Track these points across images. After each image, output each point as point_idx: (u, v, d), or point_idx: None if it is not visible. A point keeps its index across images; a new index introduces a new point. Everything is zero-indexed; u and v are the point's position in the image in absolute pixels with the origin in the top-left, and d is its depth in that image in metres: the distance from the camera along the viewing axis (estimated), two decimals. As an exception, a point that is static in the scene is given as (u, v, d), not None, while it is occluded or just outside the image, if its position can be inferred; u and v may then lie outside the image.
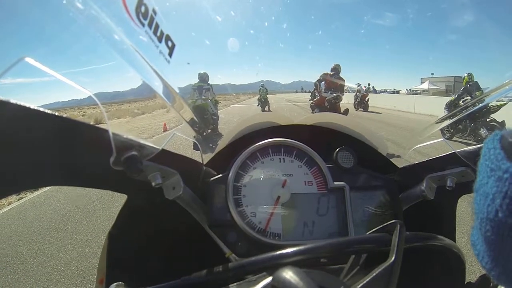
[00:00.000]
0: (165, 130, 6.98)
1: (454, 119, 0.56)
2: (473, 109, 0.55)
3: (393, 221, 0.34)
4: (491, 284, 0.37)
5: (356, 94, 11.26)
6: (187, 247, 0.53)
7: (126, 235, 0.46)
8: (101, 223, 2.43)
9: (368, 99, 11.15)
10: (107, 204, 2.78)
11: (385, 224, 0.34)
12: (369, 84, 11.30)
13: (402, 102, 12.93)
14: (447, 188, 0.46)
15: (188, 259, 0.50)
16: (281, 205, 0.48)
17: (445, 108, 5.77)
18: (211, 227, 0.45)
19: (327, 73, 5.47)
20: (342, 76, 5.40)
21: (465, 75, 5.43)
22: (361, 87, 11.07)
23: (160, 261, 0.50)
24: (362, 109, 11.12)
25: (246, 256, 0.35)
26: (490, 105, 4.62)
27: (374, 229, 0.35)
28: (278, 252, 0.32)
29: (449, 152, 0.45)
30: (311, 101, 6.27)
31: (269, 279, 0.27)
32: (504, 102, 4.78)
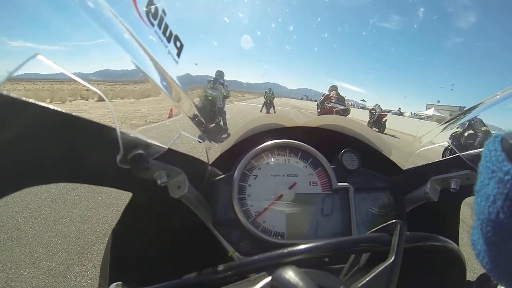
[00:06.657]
0: (170, 116, 6.93)
1: (453, 121, 0.58)
2: (473, 115, 0.57)
3: (394, 221, 0.33)
4: (490, 283, 0.37)
5: (371, 112, 10.16)
6: (188, 246, 0.52)
7: (130, 233, 0.46)
8: (102, 200, 2.38)
9: (386, 120, 9.78)
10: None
11: (385, 224, 0.34)
12: (376, 105, 10.42)
13: (405, 124, 12.95)
14: (451, 190, 0.46)
15: (189, 259, 0.50)
16: (286, 205, 0.48)
17: (449, 138, 5.81)
18: (215, 226, 0.46)
19: (332, 90, 6.55)
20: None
21: None
22: (378, 105, 10.05)
23: (161, 259, 0.49)
24: (377, 130, 9.49)
25: (249, 255, 0.35)
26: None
27: (374, 229, 0.35)
28: (278, 252, 0.31)
29: (453, 155, 0.46)
30: (318, 109, 6.72)
31: (268, 278, 0.27)
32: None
